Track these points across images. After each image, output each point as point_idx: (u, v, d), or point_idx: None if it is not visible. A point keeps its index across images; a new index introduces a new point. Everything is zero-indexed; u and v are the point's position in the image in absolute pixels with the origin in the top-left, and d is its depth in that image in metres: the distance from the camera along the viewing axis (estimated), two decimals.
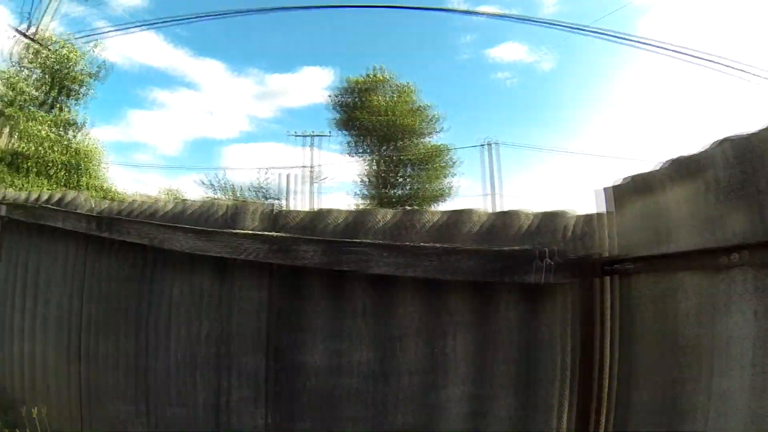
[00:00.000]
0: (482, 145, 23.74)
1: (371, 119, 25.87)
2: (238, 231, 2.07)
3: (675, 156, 1.51)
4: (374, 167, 27.54)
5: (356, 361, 1.93)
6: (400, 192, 26.57)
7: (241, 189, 23.73)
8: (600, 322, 1.59)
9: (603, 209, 1.69)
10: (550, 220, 1.79)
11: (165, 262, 2.62)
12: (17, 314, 4.03)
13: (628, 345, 1.57)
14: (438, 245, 1.70)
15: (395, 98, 26.76)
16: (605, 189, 1.66)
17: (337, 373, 1.98)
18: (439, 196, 27.22)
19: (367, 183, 28.00)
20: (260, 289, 2.13)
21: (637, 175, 1.60)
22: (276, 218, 2.14)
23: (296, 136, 27.96)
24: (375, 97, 26.57)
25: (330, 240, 1.85)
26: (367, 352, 1.92)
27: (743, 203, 1.34)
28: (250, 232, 2.05)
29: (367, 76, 27.89)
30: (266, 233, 1.97)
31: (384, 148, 26.79)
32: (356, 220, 1.98)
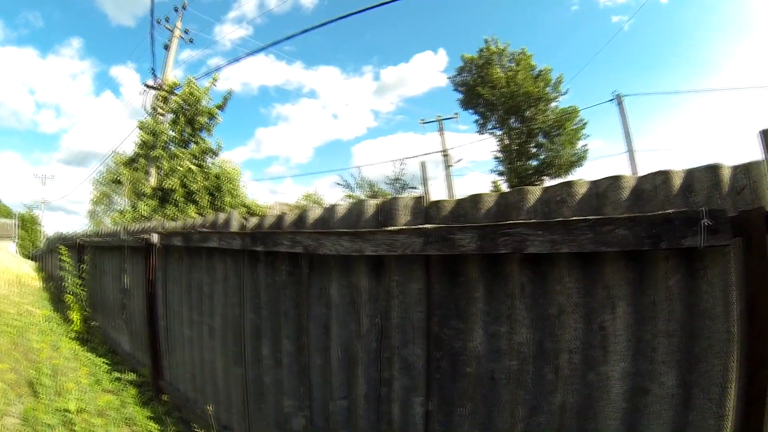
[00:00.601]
0: (611, 100, 22.59)
1: (494, 93, 26.23)
2: (392, 228, 2.27)
3: None
4: (505, 141, 27.79)
5: (515, 343, 2.04)
6: (535, 163, 26.41)
7: (377, 184, 24.40)
8: (764, 285, 1.52)
9: (764, 155, 1.59)
10: (702, 175, 1.73)
11: (320, 266, 2.89)
12: (186, 326, 4.56)
13: None
14: (590, 217, 1.75)
15: (514, 67, 26.84)
16: (765, 131, 1.57)
17: (497, 357, 2.09)
18: (575, 161, 26.71)
19: (501, 159, 28.19)
20: (417, 281, 2.30)
21: None
22: (427, 210, 2.30)
23: (424, 123, 28.56)
24: (494, 70, 26.99)
25: (484, 225, 1.97)
26: (525, 333, 2.02)
27: None
28: (405, 227, 2.23)
29: (481, 50, 28.31)
30: (421, 227, 2.14)
31: (512, 120, 27.00)
32: (506, 202, 2.08)
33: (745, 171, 1.67)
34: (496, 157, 28.98)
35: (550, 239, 1.79)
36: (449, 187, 26.23)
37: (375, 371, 2.56)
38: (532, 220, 1.90)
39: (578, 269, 1.87)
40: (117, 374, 5.85)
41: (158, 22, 17.57)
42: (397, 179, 23.98)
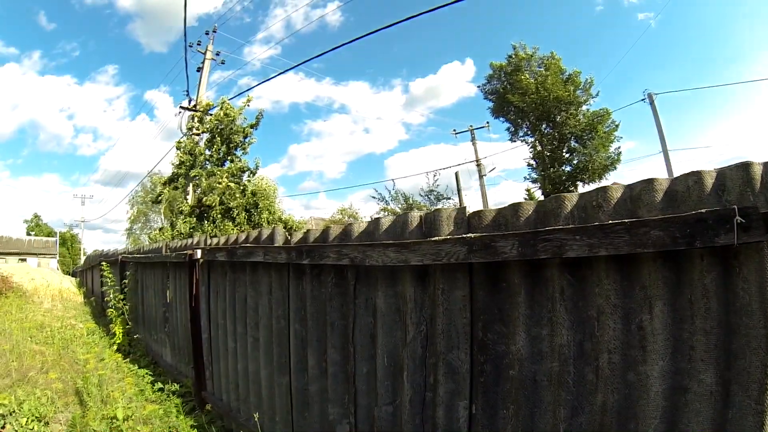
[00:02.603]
0: (643, 100, 22.24)
1: (524, 99, 26.27)
2: (437, 238, 2.45)
3: None
4: (538, 148, 27.71)
5: (556, 345, 2.16)
6: (568, 168, 26.20)
7: (412, 196, 24.77)
8: None
9: None
10: (734, 174, 1.81)
11: (365, 278, 3.09)
12: (230, 339, 4.79)
13: None
14: (626, 220, 1.88)
15: (543, 72, 26.84)
16: None
17: (538, 359, 2.21)
18: (609, 164, 26.47)
19: (534, 166, 28.14)
20: (462, 288, 2.46)
21: None
22: (469, 220, 2.47)
23: (456, 133, 28.76)
24: (523, 76, 27.00)
25: (524, 232, 2.12)
26: (565, 335, 2.14)
27: None
28: (449, 237, 2.41)
29: (509, 56, 28.35)
30: (465, 236, 2.31)
31: (543, 126, 27.00)
32: (545, 210, 2.22)
33: None
34: (529, 165, 28.93)
35: (588, 243, 1.93)
36: (483, 196, 26.33)
37: (420, 377, 2.72)
38: (570, 226, 2.04)
39: (615, 271, 2.00)
40: (160, 384, 6.14)
41: (190, 46, 18.47)
42: (431, 191, 24.24)
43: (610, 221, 1.95)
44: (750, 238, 1.65)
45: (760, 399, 1.74)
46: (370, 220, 3.25)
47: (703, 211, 1.73)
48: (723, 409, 1.80)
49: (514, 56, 28.19)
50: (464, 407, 2.50)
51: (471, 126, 28.01)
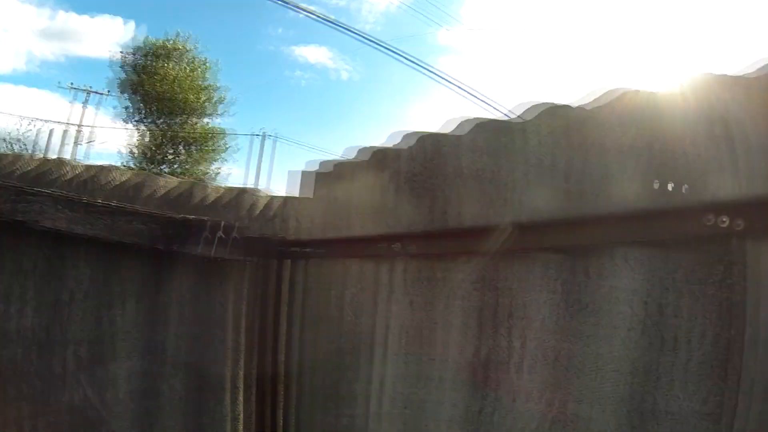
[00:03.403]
0: (257, 134, 23.50)
1: (156, 87, 23.82)
2: None
3: (370, 146, 1.66)
4: (146, 139, 25.23)
5: (22, 327, 1.76)
6: (167, 170, 24.50)
7: None
8: (275, 304, 1.66)
9: (299, 193, 1.80)
10: (240, 196, 1.84)
11: None
12: None
13: (301, 329, 1.68)
14: (113, 204, 1.63)
15: (188, 71, 25.04)
16: (302, 172, 1.77)
17: (3, 341, 1.73)
18: (207, 180, 26.03)
19: (135, 155, 25.40)
20: None
21: (329, 162, 1.74)
22: None
23: (72, 88, 24.21)
24: (168, 65, 24.53)
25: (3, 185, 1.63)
26: (33, 317, 1.76)
27: (416, 195, 1.52)
28: None
29: (167, 40, 25.67)
30: None
31: (161, 120, 24.83)
32: (42, 170, 1.82)
33: (281, 203, 1.83)
34: (132, 152, 26.98)
35: (69, 217, 1.58)
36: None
37: None
38: (58, 192, 1.66)
39: (97, 257, 1.72)
40: None
41: None
42: (18, 139, 20.58)
43: (100, 201, 1.67)
44: (229, 254, 1.63)
45: (232, 407, 1.71)
46: None
47: (190, 216, 1.62)
48: (197, 415, 1.71)
49: (172, 42, 26.22)
50: None
51: (89, 87, 25.25)
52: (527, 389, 1.34)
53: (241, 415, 1.73)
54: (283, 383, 1.71)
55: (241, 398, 1.73)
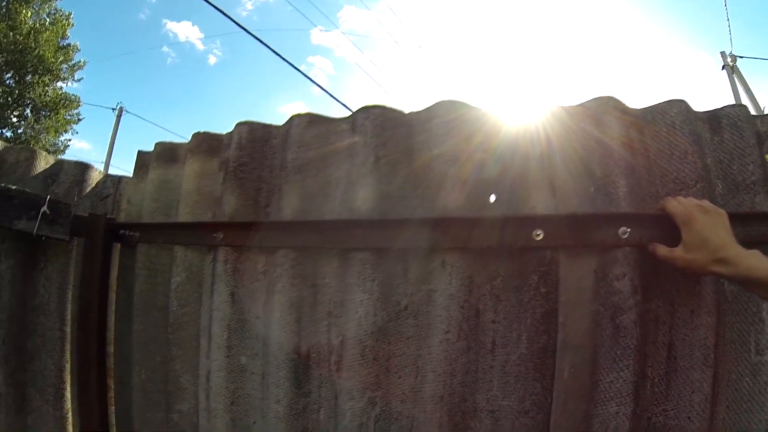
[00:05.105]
0: (113, 108, 21.53)
1: (9, 38, 20.21)
2: None
3: (203, 131, 1.56)
4: None
5: None
6: (9, 134, 21.65)
7: None
8: (103, 290, 1.54)
9: (138, 176, 1.68)
10: (71, 169, 1.69)
11: None
12: None
13: (130, 318, 1.57)
14: None
15: (47, 23, 21.74)
16: (138, 152, 1.66)
17: None
18: (53, 152, 23.20)
19: None
20: None
21: (165, 143, 1.62)
22: None
23: None
24: (24, 13, 20.78)
25: None
26: None
27: (241, 186, 1.43)
28: None
29: None
30: None
31: (9, 75, 21.48)
32: None
33: (116, 182, 1.70)
34: None
35: None
36: None
37: None
38: None
39: None
40: None
41: None
42: None
43: None
44: (52, 233, 1.47)
45: (59, 404, 1.58)
46: None
47: (12, 187, 1.45)
48: (20, 414, 1.57)
49: None
50: None
51: None
52: (348, 387, 1.30)
53: (69, 414, 1.61)
54: (113, 377, 1.61)
55: (68, 395, 1.61)
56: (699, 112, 1.30)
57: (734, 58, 13.45)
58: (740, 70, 13.35)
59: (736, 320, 1.20)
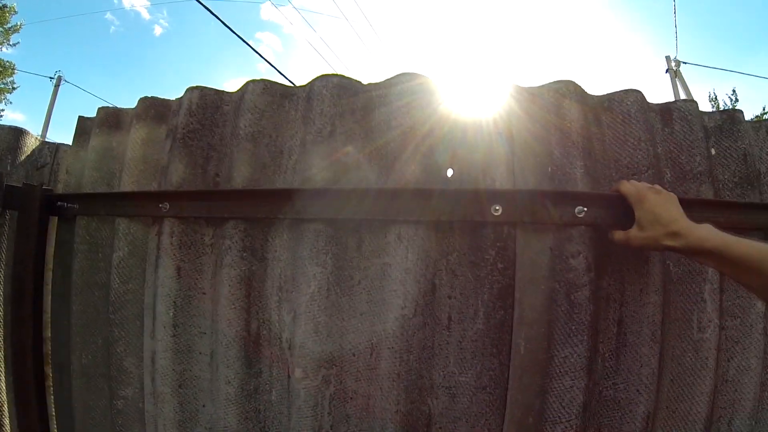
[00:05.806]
0: (51, 77, 20.23)
1: None
2: None
3: (151, 96, 1.47)
4: None
5: None
6: None
7: None
8: (38, 267, 1.43)
9: (74, 143, 1.57)
10: (8, 135, 1.58)
11: None
12: None
13: (68, 298, 1.46)
14: None
15: None
16: (79, 117, 1.54)
17: None
18: None
19: None
20: None
21: (108, 108, 1.52)
22: None
23: None
24: None
25: None
26: None
27: (190, 153, 1.36)
28: None
29: None
30: None
31: None
32: None
33: (53, 150, 1.60)
34: None
35: None
36: None
37: None
38: None
39: None
40: None
41: None
42: None
43: None
44: None
45: None
46: None
47: None
48: None
49: None
50: None
51: None
52: (302, 365, 1.25)
53: (5, 405, 1.50)
54: (52, 364, 1.50)
55: (3, 384, 1.50)
56: (652, 104, 1.36)
57: (678, 63, 14.08)
58: (683, 74, 13.99)
59: (681, 300, 1.26)
